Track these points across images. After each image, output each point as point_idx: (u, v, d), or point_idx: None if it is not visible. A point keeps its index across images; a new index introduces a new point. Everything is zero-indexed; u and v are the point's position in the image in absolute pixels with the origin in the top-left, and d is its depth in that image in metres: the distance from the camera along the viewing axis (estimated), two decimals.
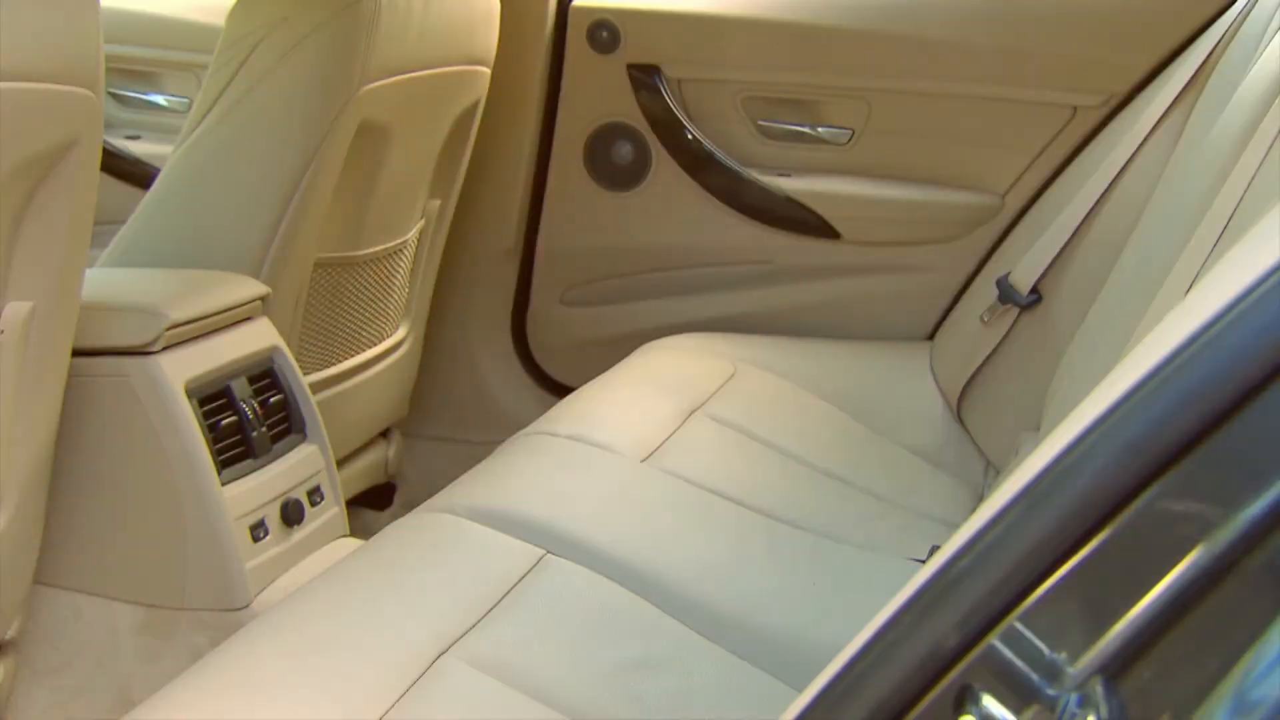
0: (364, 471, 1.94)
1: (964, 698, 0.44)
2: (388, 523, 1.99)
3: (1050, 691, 0.45)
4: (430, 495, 1.33)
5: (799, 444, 1.62)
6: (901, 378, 1.84)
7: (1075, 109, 1.80)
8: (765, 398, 1.74)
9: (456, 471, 1.45)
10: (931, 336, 1.93)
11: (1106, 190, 1.56)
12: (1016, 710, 0.44)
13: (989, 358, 1.67)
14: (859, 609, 1.19)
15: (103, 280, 1.37)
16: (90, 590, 1.30)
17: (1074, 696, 0.43)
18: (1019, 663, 0.46)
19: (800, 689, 1.09)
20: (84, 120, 1.04)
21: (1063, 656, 0.46)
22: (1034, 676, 0.46)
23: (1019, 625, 0.47)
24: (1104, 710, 0.40)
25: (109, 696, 1.29)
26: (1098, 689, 0.42)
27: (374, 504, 2.06)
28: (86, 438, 1.29)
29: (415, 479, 2.13)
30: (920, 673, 0.47)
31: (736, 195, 1.98)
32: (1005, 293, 1.63)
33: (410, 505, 1.75)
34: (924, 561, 1.27)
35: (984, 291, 1.77)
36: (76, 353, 1.21)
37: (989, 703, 0.44)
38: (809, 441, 1.63)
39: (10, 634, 1.21)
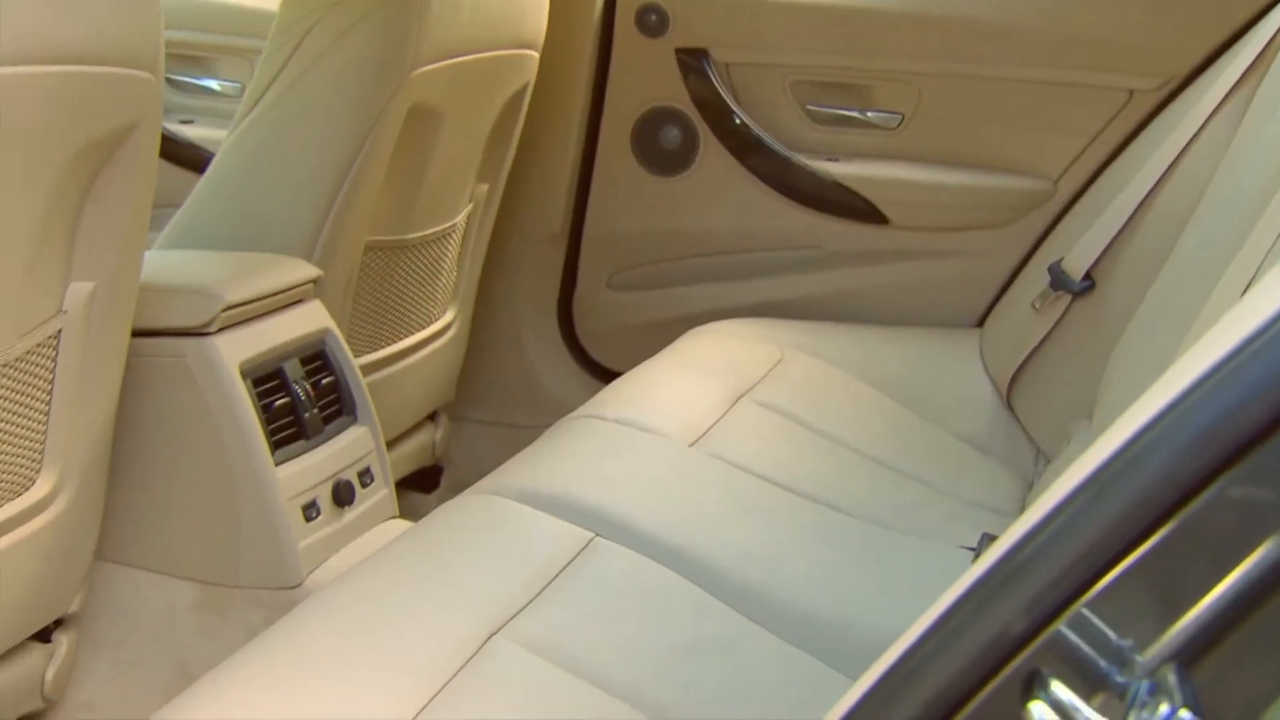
0: (411, 454, 1.95)
1: (1032, 682, 0.44)
2: (435, 505, 2.01)
3: (1120, 679, 0.44)
4: (477, 478, 1.34)
5: (847, 430, 1.61)
6: (950, 364, 1.82)
7: (1131, 92, 1.77)
8: (813, 384, 1.73)
9: (503, 455, 1.46)
10: (981, 323, 1.91)
11: (1164, 175, 1.53)
12: (1086, 696, 0.44)
13: (1040, 345, 1.65)
14: (909, 596, 1.19)
15: (160, 262, 1.39)
16: (149, 567, 1.33)
17: (1145, 684, 0.42)
18: (1087, 649, 0.46)
19: (850, 675, 1.09)
20: (145, 103, 1.06)
21: (1131, 644, 0.46)
22: (1102, 663, 0.45)
23: (1086, 611, 0.47)
24: (1177, 698, 0.40)
25: (167, 671, 1.32)
26: (1170, 677, 0.41)
27: (421, 486, 2.08)
28: (144, 417, 1.31)
29: (462, 462, 2.15)
30: (986, 657, 0.46)
31: (784, 180, 1.97)
32: (1058, 279, 1.61)
33: (457, 488, 1.77)
34: (975, 549, 1.26)
35: (1035, 278, 1.75)
36: (135, 333, 1.23)
37: (1058, 688, 0.43)
38: (857, 428, 1.63)
39: (73, 608, 1.24)
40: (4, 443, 1.05)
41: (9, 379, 1.03)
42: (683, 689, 1.03)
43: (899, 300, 1.96)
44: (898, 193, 1.91)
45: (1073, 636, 0.46)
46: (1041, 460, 1.64)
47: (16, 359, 1.03)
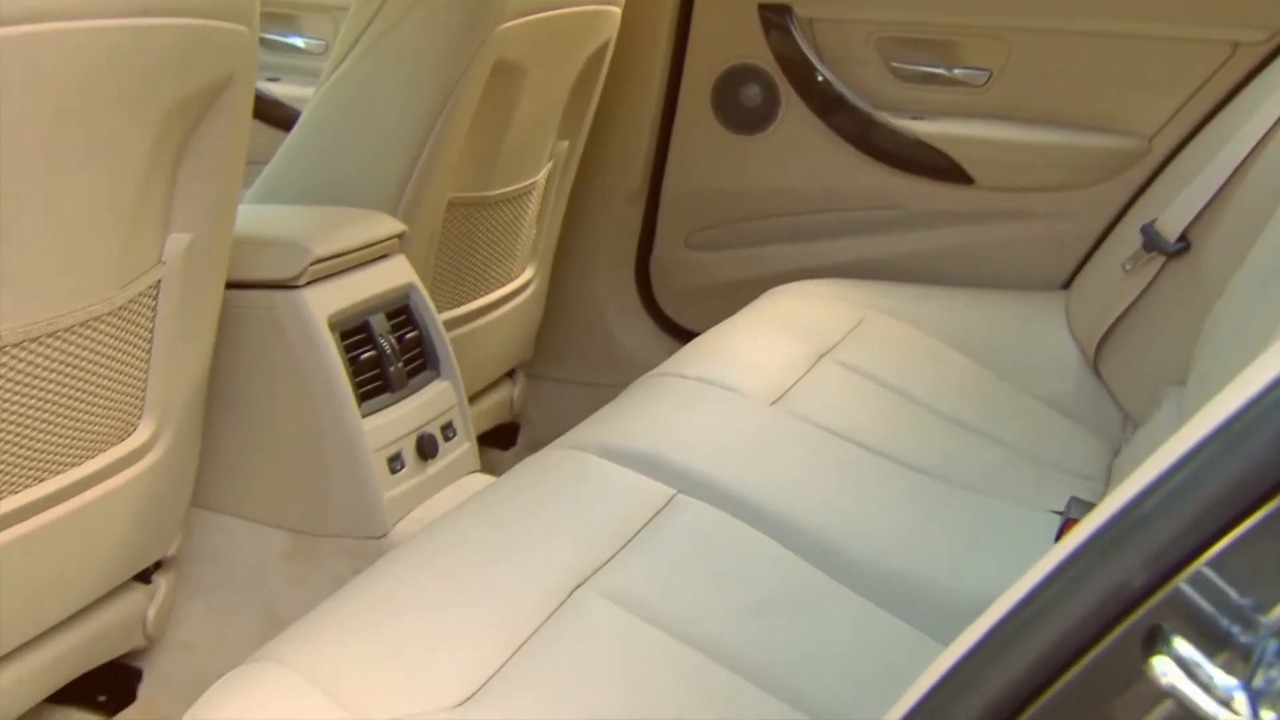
0: (489, 411, 1.97)
1: (1155, 638, 0.43)
2: (512, 462, 2.03)
3: (1244, 639, 0.43)
4: (553, 436, 1.35)
5: (929, 392, 1.59)
6: (1035, 327, 1.79)
7: (1235, 45, 1.71)
8: (894, 345, 1.72)
9: (579, 412, 1.46)
10: (1067, 285, 1.87)
11: (1268, 133, 1.48)
12: (1209, 654, 0.43)
13: (1130, 307, 1.61)
14: (996, 558, 1.18)
15: (250, 216, 1.42)
16: (241, 515, 1.36)
17: (1273, 644, 0.41)
18: (1208, 607, 0.45)
19: (936, 636, 1.09)
20: (241, 56, 1.07)
21: (1254, 603, 0.45)
22: (1224, 621, 0.44)
23: (1207, 570, 0.46)
24: None
25: (258, 616, 1.35)
26: None
27: (498, 443, 2.10)
28: (236, 368, 1.34)
29: (538, 420, 2.16)
30: (1105, 610, 0.46)
31: (867, 138, 1.94)
32: (1150, 240, 1.57)
33: (534, 446, 1.78)
34: (1062, 513, 1.24)
35: (1127, 238, 1.70)
36: (227, 285, 1.25)
37: (1180, 645, 0.43)
38: (939, 390, 1.61)
39: (171, 551, 1.27)
40: (108, 390, 1.08)
41: (112, 327, 1.06)
42: (764, 644, 1.03)
43: (982, 262, 1.93)
44: (984, 152, 1.87)
45: (1193, 594, 0.45)
46: (1129, 425, 1.60)
47: (120, 308, 1.06)
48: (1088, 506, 1.24)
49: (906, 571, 1.15)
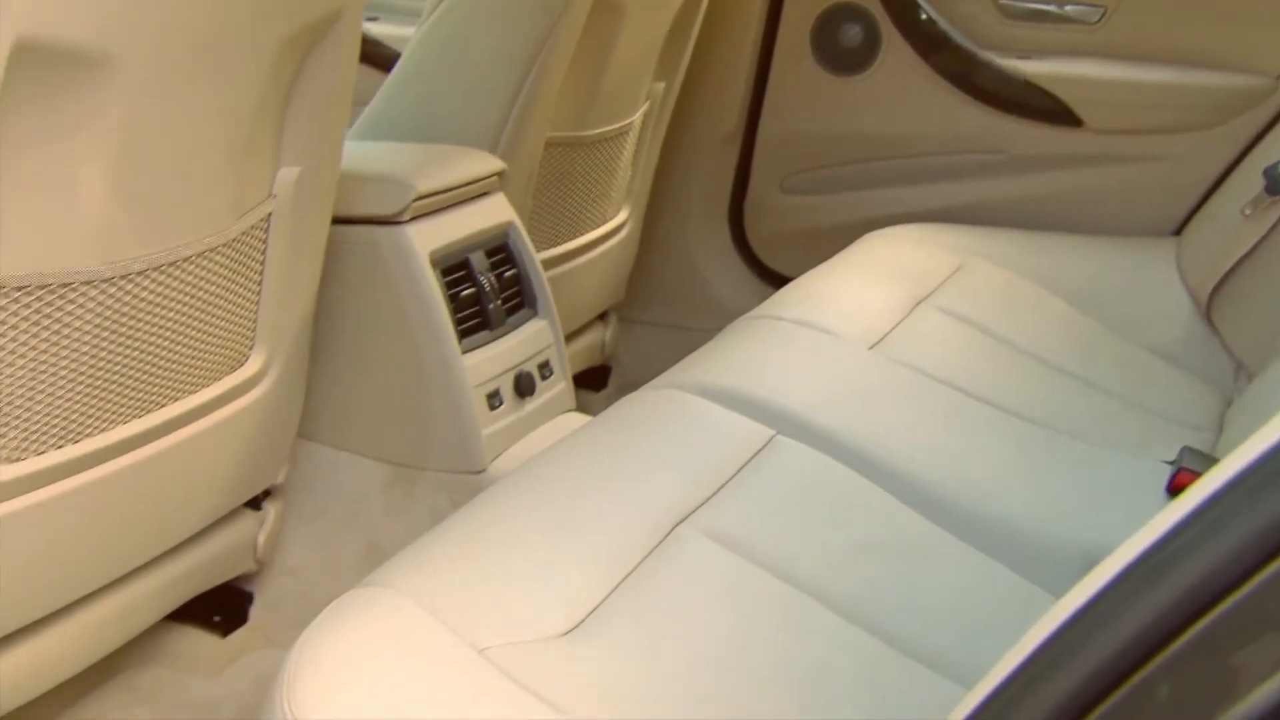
0: (581, 353, 1.98)
1: None
2: (603, 405, 2.05)
3: None
4: (644, 380, 1.35)
5: (1031, 340, 1.56)
6: (1143, 274, 1.74)
7: None
8: (995, 291, 1.68)
9: (669, 356, 1.46)
10: (1179, 231, 1.81)
11: None
12: None
13: (1249, 254, 1.56)
14: (1104, 507, 1.16)
15: (354, 153, 1.43)
16: (344, 447, 1.39)
17: None
18: None
19: (1042, 584, 1.07)
20: None
21: None
22: None
23: None
24: None
25: (360, 546, 1.39)
26: None
27: (589, 386, 2.11)
28: (340, 304, 1.36)
29: (629, 363, 2.17)
30: (1253, 550, 0.44)
31: (971, 79, 1.89)
32: (1274, 183, 1.51)
33: (624, 389, 1.79)
34: (1173, 463, 1.21)
35: (1247, 182, 1.64)
36: (332, 221, 1.27)
37: None
38: (1041, 338, 1.57)
39: (280, 479, 1.31)
40: (222, 320, 1.11)
41: (226, 259, 1.08)
42: (866, 586, 1.03)
43: (1088, 207, 1.87)
44: (1095, 92, 1.81)
45: None
46: (1243, 375, 1.55)
47: (234, 240, 1.08)
48: (1202, 456, 1.20)
49: (1011, 518, 1.13)
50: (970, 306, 1.60)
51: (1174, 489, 1.14)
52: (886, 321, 1.50)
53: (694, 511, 1.06)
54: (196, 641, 1.33)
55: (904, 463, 1.19)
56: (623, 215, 1.92)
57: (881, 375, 1.37)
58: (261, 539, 1.30)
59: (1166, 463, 1.23)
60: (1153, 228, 1.83)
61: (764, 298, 1.61)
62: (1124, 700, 0.48)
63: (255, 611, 1.37)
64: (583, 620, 0.90)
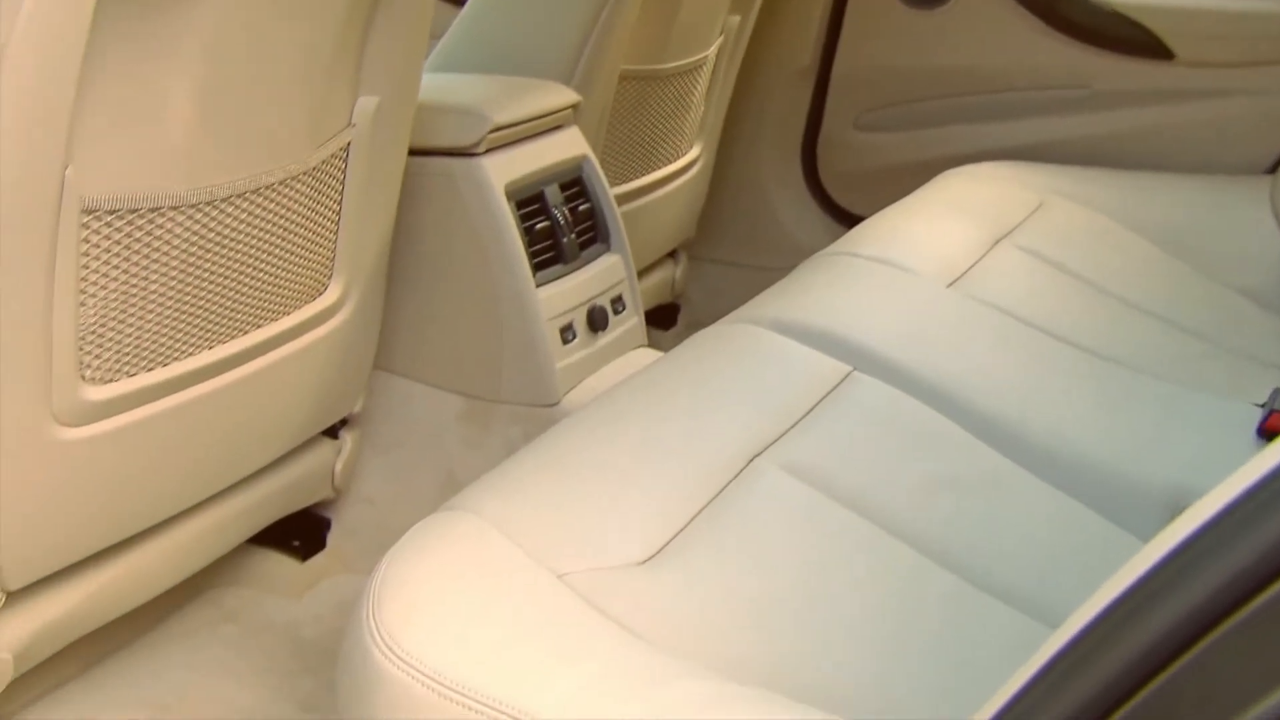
0: (651, 290, 1.97)
1: None
2: (672, 343, 2.04)
3: None
4: (713, 318, 1.34)
5: (1114, 280, 1.52)
6: (1234, 213, 1.68)
7: None
8: (1077, 230, 1.64)
9: (739, 295, 1.45)
10: (1274, 169, 1.75)
11: None
12: None
13: None
14: (1191, 449, 1.13)
15: (430, 84, 1.42)
16: (420, 378, 1.40)
17: None
18: None
19: (1127, 526, 1.05)
20: None
21: None
22: None
23: None
24: None
25: (436, 476, 1.40)
26: None
27: (659, 324, 2.11)
28: (416, 234, 1.37)
29: (699, 301, 2.16)
30: None
31: (1054, 11, 1.83)
32: None
33: (693, 326, 1.78)
34: (1265, 405, 1.18)
35: None
36: (409, 153, 1.27)
37: None
38: (1126, 278, 1.53)
39: (357, 409, 1.33)
40: (302, 249, 1.12)
41: (307, 188, 1.09)
42: (944, 522, 1.02)
43: (1177, 144, 1.82)
44: (1187, 23, 1.75)
45: None
46: None
47: (314, 168, 1.09)
48: None
49: (1093, 459, 1.11)
50: (1051, 245, 1.56)
51: (1266, 432, 1.11)
52: (965, 259, 1.48)
53: (771, 445, 1.05)
54: (277, 565, 1.36)
55: (983, 400, 1.17)
56: (695, 152, 1.90)
57: (960, 313, 1.35)
58: (339, 467, 1.32)
59: (1257, 405, 1.20)
60: (1246, 165, 1.77)
61: (835, 237, 1.58)
62: (1219, 642, 0.47)
63: (333, 538, 1.40)
64: (660, 549, 0.90)
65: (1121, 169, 1.83)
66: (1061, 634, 0.54)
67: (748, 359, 1.20)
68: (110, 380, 0.95)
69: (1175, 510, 1.04)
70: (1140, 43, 1.79)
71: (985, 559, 0.98)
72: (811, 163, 2.11)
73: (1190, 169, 1.80)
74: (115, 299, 0.93)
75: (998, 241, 1.56)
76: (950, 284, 1.41)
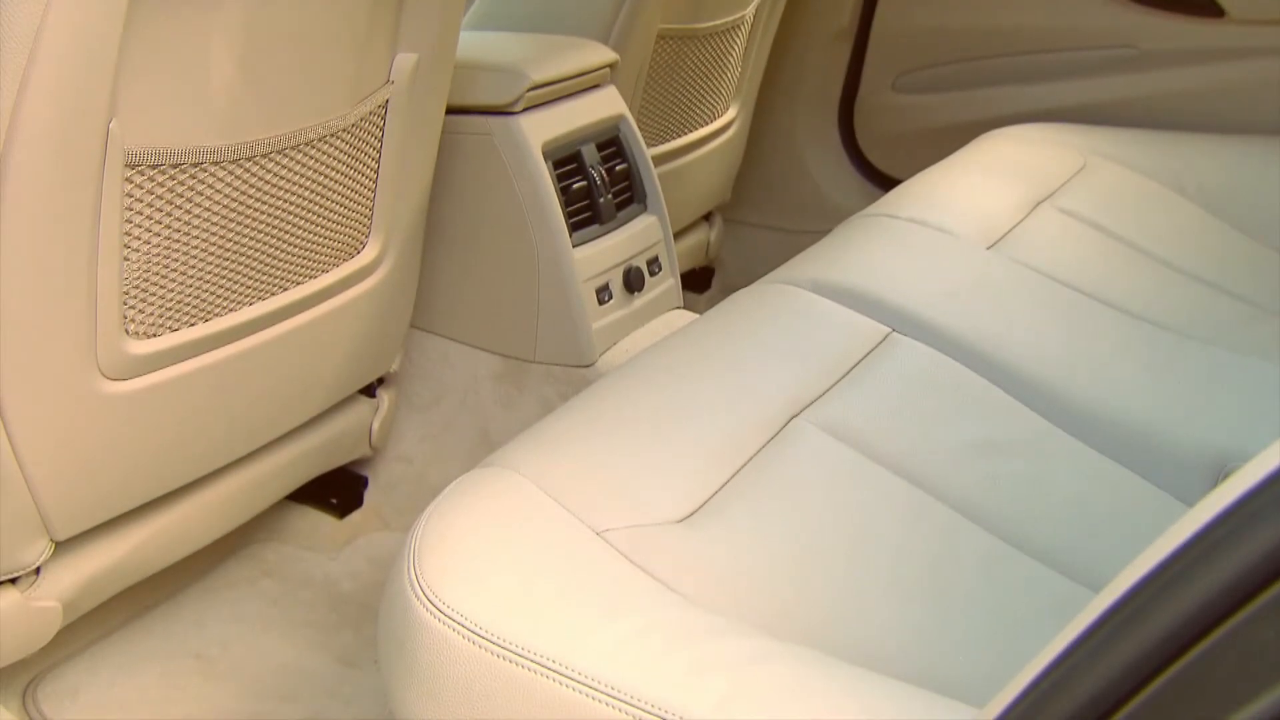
0: (686, 253, 1.97)
1: None
2: (707, 305, 2.03)
3: None
4: (748, 281, 1.33)
5: (1158, 243, 1.50)
6: None
7: None
8: (1120, 192, 1.61)
9: (774, 258, 1.43)
10: None
11: None
12: None
13: None
14: (1234, 413, 1.12)
15: (468, 42, 1.42)
16: (456, 337, 1.40)
17: None
18: None
19: (1167, 488, 1.04)
20: None
21: None
22: None
23: None
24: None
25: (471, 434, 1.41)
26: None
27: (693, 287, 2.10)
28: (453, 193, 1.36)
29: (733, 264, 2.15)
30: None
31: None
32: None
33: (728, 289, 1.77)
34: None
35: None
36: (446, 111, 1.26)
37: None
38: (1170, 241, 1.51)
39: (394, 368, 1.33)
40: (341, 206, 1.12)
41: (345, 144, 1.09)
42: (984, 484, 1.01)
43: (1224, 104, 1.78)
44: None
45: None
46: None
47: (353, 125, 1.08)
48: None
49: (1136, 422, 1.10)
50: (1094, 207, 1.54)
51: None
52: (1006, 221, 1.46)
53: (810, 405, 1.05)
54: (316, 521, 1.38)
55: (1024, 363, 1.16)
56: (731, 113, 1.88)
57: (1001, 275, 1.33)
58: (376, 425, 1.33)
59: None
60: None
61: (872, 201, 1.57)
62: (1269, 605, 0.46)
63: (370, 495, 1.41)
64: (699, 507, 0.90)
65: (1166, 130, 1.79)
66: (1107, 595, 0.53)
67: (786, 319, 1.19)
68: (154, 335, 0.96)
69: (1220, 474, 1.03)
70: (1190, 0, 1.75)
71: (1026, 521, 0.98)
72: (849, 125, 2.09)
73: (1237, 129, 1.76)
74: (158, 253, 0.93)
75: (1039, 204, 1.53)
76: (990, 246, 1.40)
